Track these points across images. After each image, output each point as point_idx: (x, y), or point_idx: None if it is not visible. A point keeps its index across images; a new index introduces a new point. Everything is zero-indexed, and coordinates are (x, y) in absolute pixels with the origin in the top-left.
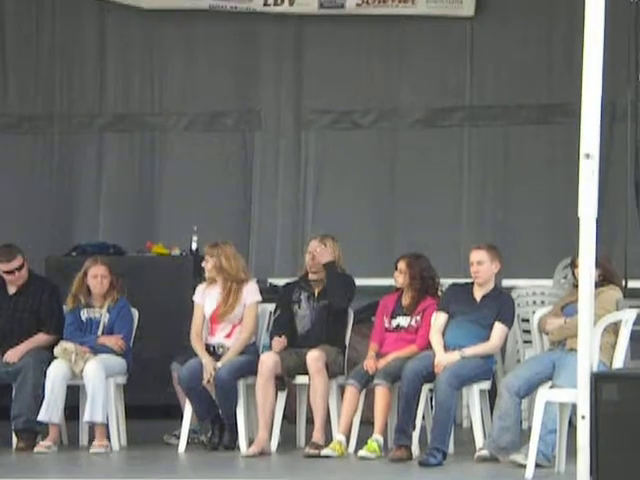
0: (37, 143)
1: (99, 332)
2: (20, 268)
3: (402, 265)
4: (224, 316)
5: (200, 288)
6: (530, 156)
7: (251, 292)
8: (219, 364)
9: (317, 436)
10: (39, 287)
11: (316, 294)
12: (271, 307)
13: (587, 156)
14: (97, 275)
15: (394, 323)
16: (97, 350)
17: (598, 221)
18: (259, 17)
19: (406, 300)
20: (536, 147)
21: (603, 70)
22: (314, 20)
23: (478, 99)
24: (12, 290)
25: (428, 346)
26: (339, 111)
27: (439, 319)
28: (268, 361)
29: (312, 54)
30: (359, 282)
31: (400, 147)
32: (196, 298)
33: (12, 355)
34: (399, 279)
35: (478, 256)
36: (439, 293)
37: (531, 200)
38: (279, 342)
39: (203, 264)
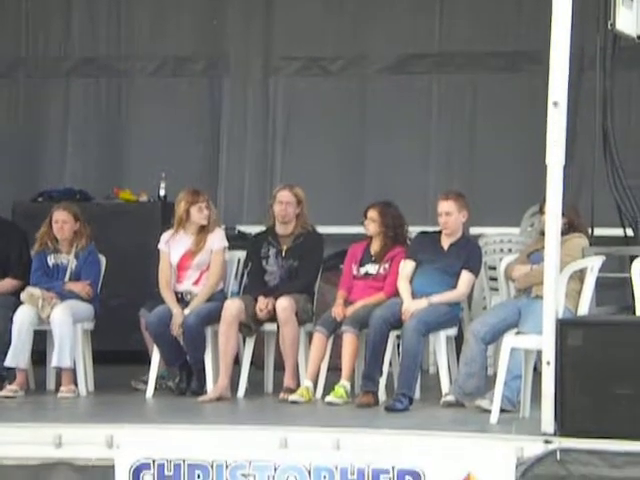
0: (2, 88)
1: (66, 278)
2: None
3: (373, 214)
4: (195, 255)
5: (165, 236)
6: (498, 103)
7: (217, 238)
8: (187, 311)
9: (289, 382)
10: (7, 231)
11: (284, 252)
12: (240, 254)
13: (555, 104)
14: (58, 220)
15: (362, 271)
16: (64, 296)
17: (565, 169)
18: None
19: (375, 248)
20: (504, 94)
21: (572, 17)
22: None
23: (447, 46)
24: None
25: (396, 293)
26: (308, 57)
27: (407, 267)
28: (232, 307)
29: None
30: (327, 230)
31: (369, 94)
32: (161, 246)
33: None
34: (370, 227)
35: (446, 207)
36: (407, 241)
37: (499, 147)
38: (266, 304)
39: (194, 211)
